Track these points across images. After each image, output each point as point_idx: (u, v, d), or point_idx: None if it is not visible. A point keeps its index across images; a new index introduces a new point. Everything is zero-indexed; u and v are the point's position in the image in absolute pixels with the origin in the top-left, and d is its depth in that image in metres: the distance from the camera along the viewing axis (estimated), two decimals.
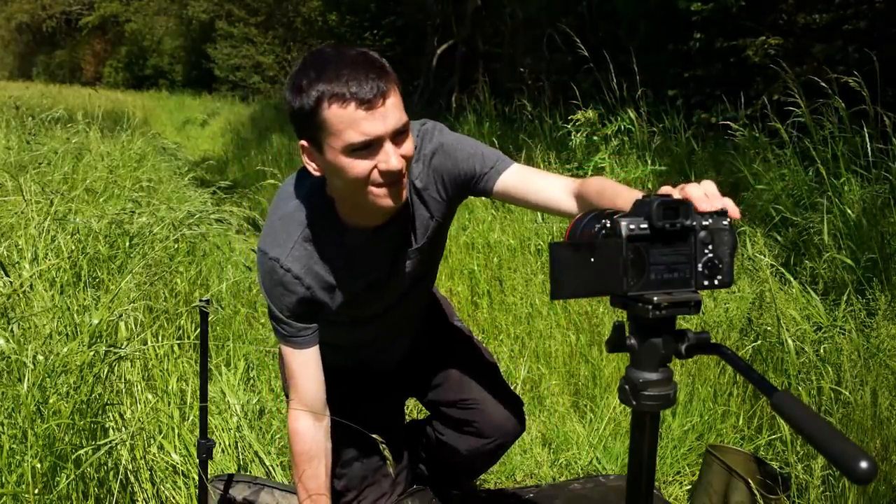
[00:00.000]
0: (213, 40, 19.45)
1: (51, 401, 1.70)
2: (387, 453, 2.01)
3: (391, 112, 1.30)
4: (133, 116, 6.86)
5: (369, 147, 1.30)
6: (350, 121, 1.28)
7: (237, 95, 17.51)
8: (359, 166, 1.31)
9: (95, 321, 1.95)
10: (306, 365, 1.55)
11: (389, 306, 1.67)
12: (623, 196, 1.27)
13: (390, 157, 1.31)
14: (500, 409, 1.85)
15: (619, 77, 4.57)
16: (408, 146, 1.35)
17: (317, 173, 1.40)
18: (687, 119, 4.75)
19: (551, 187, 1.45)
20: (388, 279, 1.59)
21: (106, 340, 1.99)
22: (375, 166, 1.32)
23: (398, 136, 1.33)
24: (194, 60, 21.75)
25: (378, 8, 12.91)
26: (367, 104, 1.27)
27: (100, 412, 1.85)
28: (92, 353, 1.86)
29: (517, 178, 1.48)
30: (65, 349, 1.79)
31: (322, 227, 1.48)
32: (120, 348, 1.99)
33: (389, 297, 1.64)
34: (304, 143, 1.37)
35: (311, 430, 1.58)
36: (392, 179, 1.34)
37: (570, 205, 1.41)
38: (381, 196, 1.36)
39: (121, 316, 2.20)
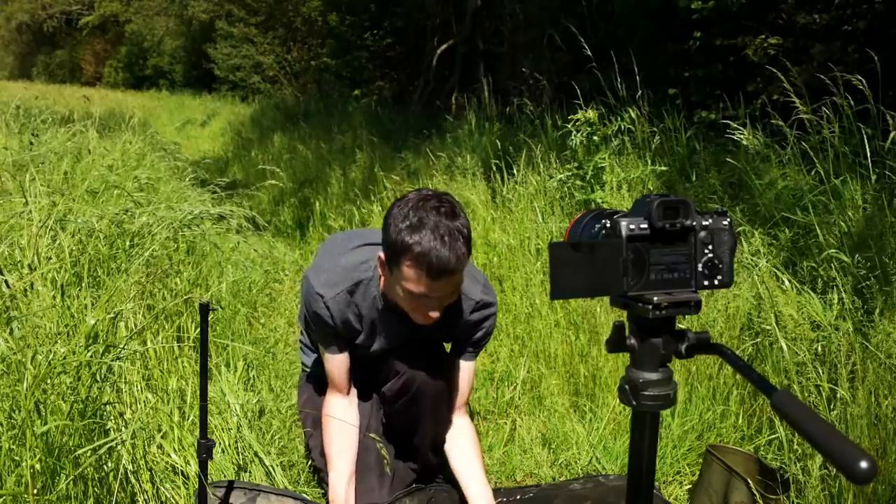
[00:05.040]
0: (213, 40, 19.43)
1: (49, 400, 1.70)
2: (384, 452, 2.02)
3: (450, 286, 1.69)
4: (133, 116, 6.85)
5: (422, 297, 1.69)
6: (416, 278, 1.65)
7: (237, 95, 17.49)
8: (407, 301, 1.73)
9: (92, 321, 1.95)
10: (337, 364, 1.97)
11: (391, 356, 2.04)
12: (471, 487, 1.96)
13: (431, 312, 1.73)
14: (417, 348, 1.99)
15: (619, 77, 4.57)
16: (453, 298, 1.76)
17: (381, 276, 1.83)
18: (687, 118, 4.74)
19: (458, 399, 2.04)
20: (393, 344, 1.99)
21: (104, 340, 1.99)
22: (421, 307, 1.72)
23: (449, 297, 1.73)
24: (194, 60, 21.72)
25: (378, 8, 12.89)
26: (436, 277, 1.64)
27: (99, 412, 1.85)
28: (90, 354, 1.86)
29: (461, 368, 2.02)
30: (63, 349, 1.79)
31: (365, 291, 1.88)
32: (118, 348, 1.99)
33: (389, 349, 2.01)
34: (381, 256, 1.76)
35: (339, 411, 1.99)
36: (426, 321, 1.75)
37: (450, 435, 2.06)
38: (416, 317, 1.78)
39: (118, 315, 2.20)
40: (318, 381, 2.19)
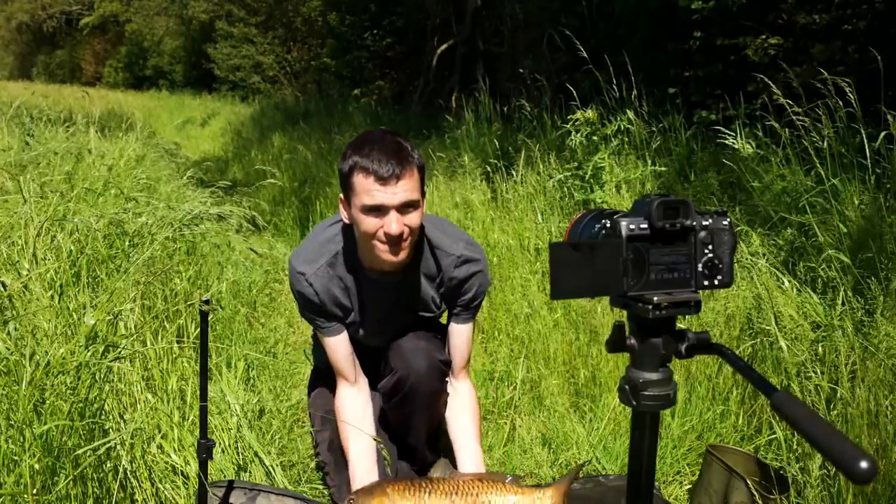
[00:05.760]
0: (213, 40, 19.43)
1: (48, 401, 1.70)
2: (385, 454, 2.02)
3: (401, 191, 1.69)
4: (132, 116, 6.85)
5: (378, 211, 1.70)
6: (367, 186, 1.69)
7: (237, 95, 17.49)
8: (369, 223, 1.72)
9: (91, 321, 1.95)
10: (337, 347, 1.96)
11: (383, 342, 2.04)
12: (463, 451, 1.96)
13: (392, 223, 1.70)
14: (411, 344, 1.98)
15: (618, 77, 4.57)
16: (412, 218, 1.74)
17: (346, 221, 1.83)
18: (687, 119, 4.74)
19: (455, 364, 2.03)
20: (384, 322, 1.99)
21: (103, 340, 1.98)
22: (382, 227, 1.71)
23: (405, 209, 1.71)
24: (194, 60, 21.72)
25: (378, 8, 12.90)
26: (382, 180, 1.67)
27: (98, 412, 1.85)
28: (90, 354, 1.86)
29: (456, 332, 2.01)
30: (61, 350, 1.79)
31: (345, 261, 1.90)
32: (118, 348, 1.99)
33: (384, 335, 2.03)
34: (341, 196, 1.81)
35: (349, 400, 1.98)
36: (392, 240, 1.73)
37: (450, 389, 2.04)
38: (383, 251, 1.76)
39: (118, 315, 2.20)
40: (328, 377, 2.17)
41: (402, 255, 1.77)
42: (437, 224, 1.98)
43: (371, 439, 1.96)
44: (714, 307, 2.72)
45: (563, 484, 1.72)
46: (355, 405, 1.99)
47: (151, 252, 2.82)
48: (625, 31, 6.61)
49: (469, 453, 1.97)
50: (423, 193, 1.78)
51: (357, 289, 1.92)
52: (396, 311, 1.99)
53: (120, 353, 2.02)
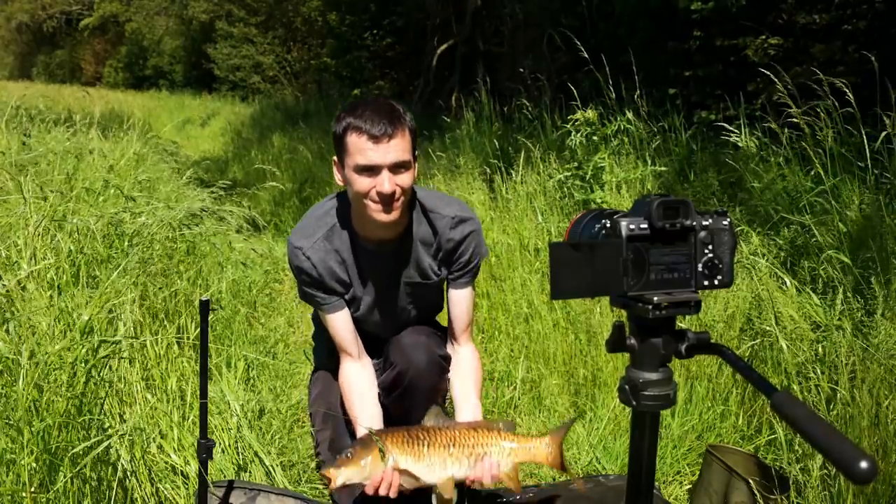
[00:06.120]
0: (213, 40, 19.44)
1: (45, 398, 1.69)
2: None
3: (393, 150, 1.72)
4: (132, 116, 6.84)
5: (371, 170, 1.74)
6: (359, 146, 1.73)
7: (237, 95, 17.50)
8: (361, 182, 1.75)
9: (86, 317, 1.95)
10: (339, 323, 1.95)
11: (385, 324, 2.04)
12: (463, 410, 1.94)
13: (384, 182, 1.73)
14: (411, 339, 1.98)
15: (618, 77, 4.57)
16: (404, 179, 1.76)
17: (340, 182, 1.86)
18: (687, 119, 4.74)
19: (456, 328, 2.02)
20: (383, 295, 1.99)
21: (99, 336, 1.98)
22: (374, 186, 1.74)
23: (396, 169, 1.74)
24: (194, 60, 21.73)
25: (378, 8, 12.90)
26: (375, 139, 1.71)
27: (94, 408, 1.85)
28: (85, 350, 1.86)
29: (455, 297, 2.00)
30: (58, 346, 1.79)
31: (341, 233, 1.91)
32: (112, 341, 1.98)
33: (384, 315, 2.02)
34: (335, 158, 1.84)
35: (354, 373, 1.97)
36: (385, 200, 1.75)
37: (452, 350, 2.04)
38: (375, 210, 1.78)
39: (113, 311, 2.19)
40: (328, 377, 2.17)
41: (395, 214, 1.78)
42: (431, 192, 2.01)
43: (378, 408, 1.95)
44: (714, 307, 2.72)
45: (558, 432, 1.73)
46: (361, 378, 1.98)
47: (151, 252, 2.82)
48: (625, 31, 6.61)
49: (469, 409, 1.96)
50: (414, 157, 1.80)
51: (354, 261, 1.93)
52: (395, 285, 1.98)
53: (118, 349, 2.02)
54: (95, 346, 1.91)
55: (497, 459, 1.68)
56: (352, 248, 1.92)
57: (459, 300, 2.02)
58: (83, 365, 1.83)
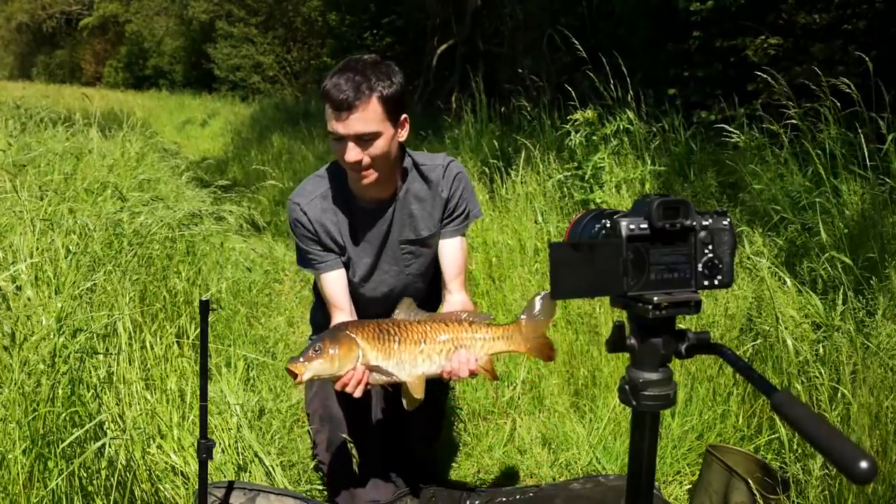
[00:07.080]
0: (213, 40, 19.43)
1: (42, 390, 1.69)
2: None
3: (354, 122, 1.71)
4: (132, 116, 6.84)
5: (339, 139, 1.74)
6: (328, 116, 1.75)
7: (237, 95, 17.48)
8: (334, 147, 1.78)
9: (80, 316, 1.95)
10: (334, 282, 1.94)
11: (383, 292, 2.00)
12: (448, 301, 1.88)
13: (348, 151, 1.73)
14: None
15: (618, 77, 4.57)
16: (373, 148, 1.74)
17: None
18: (686, 119, 4.74)
19: (446, 276, 1.98)
20: (380, 257, 1.96)
21: (91, 333, 1.98)
22: (345, 156, 1.74)
23: (362, 140, 1.73)
24: (194, 60, 21.72)
25: (378, 8, 12.90)
26: (336, 109, 1.71)
27: (80, 399, 1.84)
28: (77, 344, 1.85)
29: (444, 247, 1.98)
30: (55, 342, 1.79)
31: (337, 192, 1.92)
32: (100, 334, 1.98)
33: (380, 281, 1.99)
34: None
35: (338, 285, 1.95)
36: (354, 168, 1.76)
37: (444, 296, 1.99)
38: (353, 179, 1.83)
39: (112, 309, 2.19)
40: None
41: (370, 178, 1.78)
42: (420, 153, 2.00)
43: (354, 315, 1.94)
44: (715, 306, 2.72)
45: (533, 312, 1.64)
46: (341, 286, 1.96)
47: (150, 252, 2.82)
48: (625, 30, 6.62)
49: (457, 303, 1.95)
50: (394, 122, 1.76)
51: (350, 220, 1.92)
52: (392, 245, 1.96)
53: (112, 345, 2.02)
54: (72, 331, 1.90)
55: (472, 353, 1.62)
56: (349, 207, 1.92)
57: (448, 250, 1.99)
58: (79, 363, 1.82)
